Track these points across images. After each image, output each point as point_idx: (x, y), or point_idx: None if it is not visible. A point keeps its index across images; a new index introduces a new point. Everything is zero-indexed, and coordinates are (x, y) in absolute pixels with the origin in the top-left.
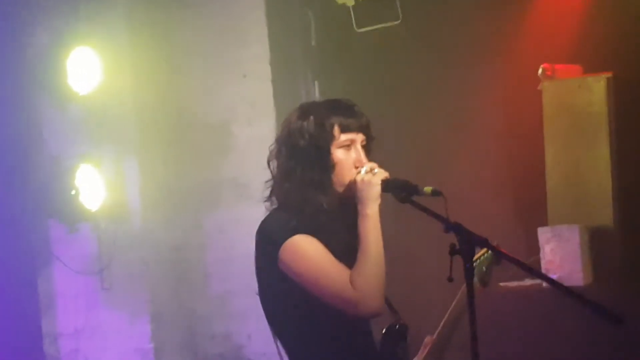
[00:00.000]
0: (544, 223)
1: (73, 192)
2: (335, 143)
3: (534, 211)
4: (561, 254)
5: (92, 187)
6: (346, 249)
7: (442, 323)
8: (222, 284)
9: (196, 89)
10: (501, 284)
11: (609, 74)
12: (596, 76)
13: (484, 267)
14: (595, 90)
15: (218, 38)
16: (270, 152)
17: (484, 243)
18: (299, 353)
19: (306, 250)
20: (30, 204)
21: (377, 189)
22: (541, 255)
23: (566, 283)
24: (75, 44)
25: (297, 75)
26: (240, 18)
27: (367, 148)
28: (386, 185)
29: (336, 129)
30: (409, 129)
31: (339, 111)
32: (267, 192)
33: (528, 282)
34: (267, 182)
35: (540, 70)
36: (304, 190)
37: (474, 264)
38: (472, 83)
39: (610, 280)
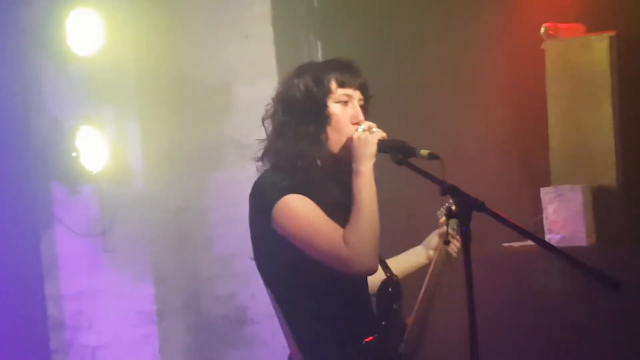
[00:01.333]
0: (548, 183)
1: (74, 154)
2: (332, 97)
3: (537, 171)
4: (564, 214)
5: (93, 149)
6: (340, 207)
7: (417, 301)
8: (225, 245)
9: (198, 50)
10: (504, 244)
11: (613, 33)
12: (599, 35)
13: (455, 225)
14: (598, 49)
15: None
16: (266, 112)
17: (480, 206)
18: (296, 313)
19: (299, 210)
20: (31, 167)
21: (372, 148)
22: (544, 215)
23: (569, 243)
24: (75, 5)
25: (299, 36)
26: None
27: (364, 108)
28: (383, 145)
29: (333, 83)
30: (411, 87)
31: (337, 67)
32: (260, 153)
33: (531, 242)
34: (260, 141)
35: (542, 29)
36: (298, 144)
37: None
38: (474, 42)
39: (614, 241)
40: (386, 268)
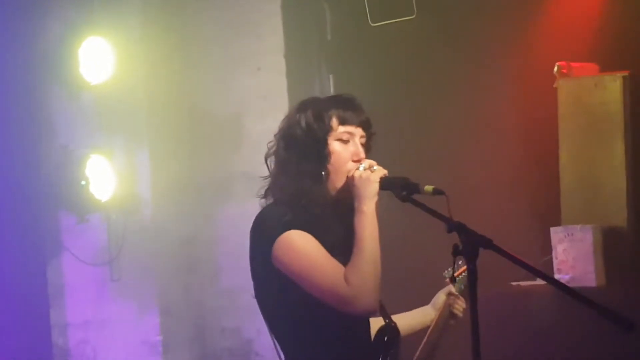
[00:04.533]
0: (558, 222)
1: (83, 183)
2: (333, 135)
3: (548, 210)
4: (574, 254)
5: (102, 177)
6: (341, 244)
7: (419, 348)
8: (232, 278)
9: (209, 81)
10: (513, 283)
11: (626, 73)
12: (612, 75)
13: (462, 286)
14: (611, 89)
15: (233, 30)
16: (269, 149)
17: (487, 243)
18: (295, 351)
19: (300, 246)
20: (40, 194)
21: (374, 186)
22: (553, 255)
23: (579, 284)
24: (88, 34)
25: (311, 69)
26: (256, 10)
27: (366, 146)
28: (385, 182)
29: (334, 121)
30: (422, 124)
31: (338, 104)
32: (264, 189)
33: (540, 282)
34: (264, 178)
35: (555, 68)
36: (300, 182)
37: (456, 280)
38: (486, 79)
39: (624, 282)
40: (385, 314)
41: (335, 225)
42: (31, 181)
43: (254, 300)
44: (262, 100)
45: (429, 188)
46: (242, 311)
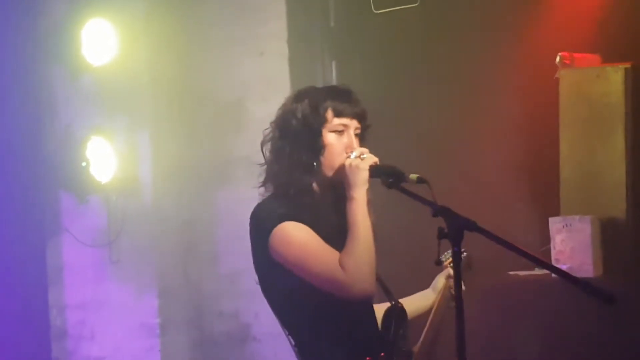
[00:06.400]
0: (557, 213)
1: (84, 164)
2: (328, 126)
3: (547, 200)
4: (572, 245)
5: (103, 159)
6: (336, 232)
7: (424, 332)
8: (231, 262)
9: (212, 65)
10: (511, 272)
11: (628, 65)
12: (615, 66)
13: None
14: (613, 80)
15: (236, 14)
16: (265, 136)
17: (471, 226)
18: (304, 337)
19: (295, 236)
20: (40, 175)
21: (364, 174)
22: (552, 245)
23: (576, 274)
24: (91, 16)
25: (314, 55)
26: None
27: (361, 137)
28: (374, 170)
29: (329, 113)
30: (423, 112)
31: (334, 95)
32: (262, 177)
33: (538, 271)
34: (261, 165)
35: (558, 59)
36: (292, 172)
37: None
38: (489, 69)
39: (621, 273)
40: (390, 296)
41: (330, 214)
42: (32, 162)
43: (252, 285)
44: (265, 85)
45: (413, 176)
46: (240, 295)
